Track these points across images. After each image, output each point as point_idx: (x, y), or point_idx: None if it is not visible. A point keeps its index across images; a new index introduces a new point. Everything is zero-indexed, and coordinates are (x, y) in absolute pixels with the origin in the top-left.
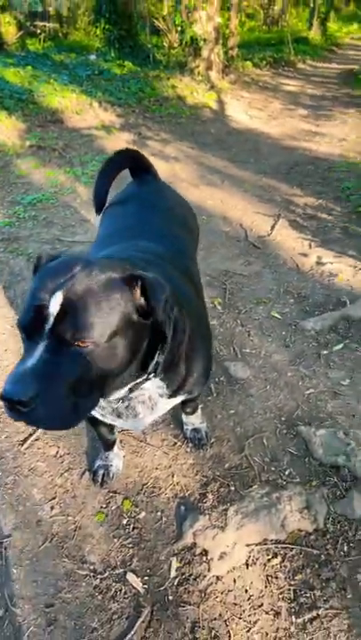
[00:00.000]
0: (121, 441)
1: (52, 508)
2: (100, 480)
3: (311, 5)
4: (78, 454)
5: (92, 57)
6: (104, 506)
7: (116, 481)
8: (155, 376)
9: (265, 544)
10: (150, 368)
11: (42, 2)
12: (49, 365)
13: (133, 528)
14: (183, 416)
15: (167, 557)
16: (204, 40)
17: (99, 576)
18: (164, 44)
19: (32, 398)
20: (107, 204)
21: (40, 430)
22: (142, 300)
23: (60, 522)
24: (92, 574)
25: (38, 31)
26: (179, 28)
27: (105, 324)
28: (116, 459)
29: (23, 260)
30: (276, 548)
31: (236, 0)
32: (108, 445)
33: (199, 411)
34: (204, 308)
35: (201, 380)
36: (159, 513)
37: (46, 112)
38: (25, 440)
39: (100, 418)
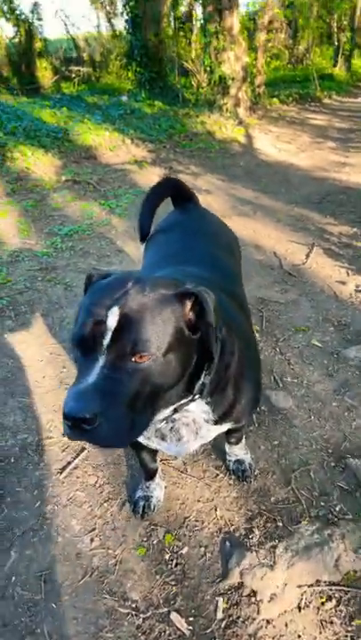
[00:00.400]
0: (162, 471)
1: (91, 540)
2: (140, 511)
3: (335, 44)
4: (118, 484)
5: (124, 98)
6: (145, 539)
7: (157, 513)
8: (200, 398)
9: (318, 585)
10: (196, 389)
11: (76, 48)
12: (110, 381)
13: (176, 564)
14: (226, 446)
15: (213, 597)
16: (232, 79)
17: (141, 615)
18: (193, 83)
19: (96, 415)
20: (151, 233)
21: (79, 458)
22: (191, 315)
23: (100, 555)
24: (134, 613)
25: (73, 75)
26: (207, 69)
27: (161, 338)
28: (157, 489)
29: (61, 289)
30: (331, 590)
31: (263, 41)
32: (150, 474)
33: (243, 441)
34: (252, 333)
35: (248, 408)
36: (203, 548)
37: (81, 149)
38: (63, 469)
39: (145, 442)
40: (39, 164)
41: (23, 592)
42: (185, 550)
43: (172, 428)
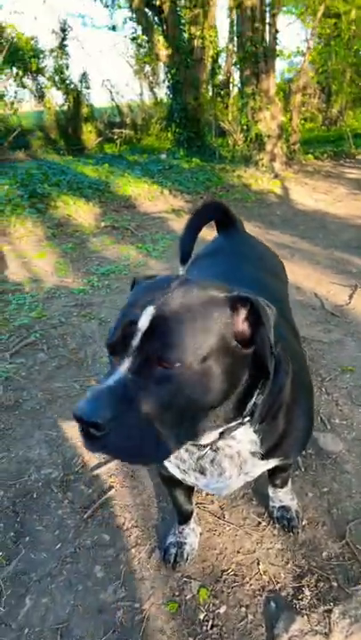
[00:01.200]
0: (198, 518)
1: (115, 590)
2: (172, 560)
3: None
4: (148, 527)
5: (163, 156)
6: (177, 593)
7: (191, 563)
8: (250, 423)
9: None
10: (247, 409)
11: (120, 113)
12: (131, 386)
13: (212, 626)
14: (270, 490)
15: None
16: (268, 136)
17: None
18: (229, 142)
19: (107, 421)
20: (193, 257)
21: (106, 496)
22: (245, 326)
23: (125, 609)
24: None
25: (115, 137)
26: (244, 127)
27: (198, 344)
28: (192, 535)
29: (95, 324)
30: None
31: (298, 102)
32: (184, 517)
33: (290, 484)
34: (303, 358)
35: (299, 441)
36: (244, 608)
37: (120, 199)
38: (88, 507)
39: (180, 476)
40: (80, 211)
41: None
42: (223, 609)
43: (213, 460)
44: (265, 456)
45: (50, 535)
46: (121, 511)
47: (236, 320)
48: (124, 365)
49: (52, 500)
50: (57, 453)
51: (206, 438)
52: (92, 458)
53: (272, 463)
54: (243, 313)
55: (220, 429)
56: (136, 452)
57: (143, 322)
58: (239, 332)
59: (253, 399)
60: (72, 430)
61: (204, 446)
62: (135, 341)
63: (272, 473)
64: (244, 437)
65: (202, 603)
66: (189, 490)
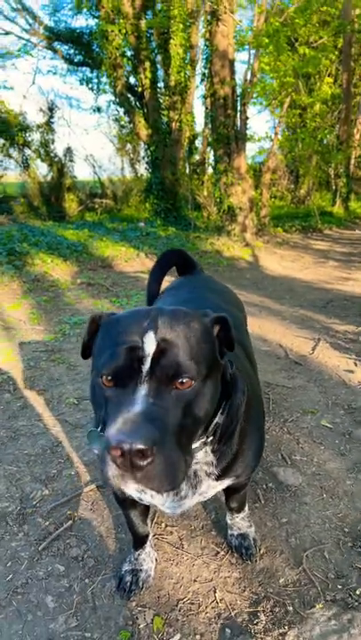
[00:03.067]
0: (154, 545)
1: (66, 620)
2: (127, 588)
3: (333, 188)
4: (103, 558)
5: (141, 224)
6: (130, 622)
7: (147, 592)
8: (209, 445)
9: None
10: (210, 429)
11: (101, 185)
12: (158, 410)
13: None
14: (228, 517)
15: None
16: (240, 208)
17: None
18: (204, 214)
19: (153, 446)
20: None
21: (62, 528)
22: (219, 339)
23: (74, 638)
24: None
25: (96, 206)
26: (217, 200)
27: (201, 362)
28: (147, 561)
29: (63, 368)
30: None
31: (268, 180)
32: (140, 541)
33: (246, 510)
34: (258, 384)
35: (252, 461)
36: (198, 636)
37: (98, 259)
38: (44, 539)
39: (137, 495)
40: (57, 269)
41: None
42: (177, 638)
43: None
44: (219, 477)
45: (1, 567)
46: (77, 542)
47: (216, 337)
48: (142, 391)
49: (7, 533)
50: (15, 488)
51: None
52: (53, 493)
53: (226, 483)
54: (217, 329)
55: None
56: (172, 476)
57: (149, 347)
58: (217, 346)
59: (216, 419)
60: (33, 466)
61: None
62: (146, 367)
63: (227, 495)
64: (202, 459)
65: (155, 631)
66: (145, 511)
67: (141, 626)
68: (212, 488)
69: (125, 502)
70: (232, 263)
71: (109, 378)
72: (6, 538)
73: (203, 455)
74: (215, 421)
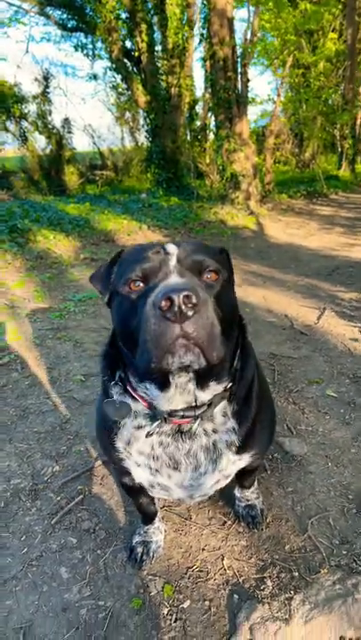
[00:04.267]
0: (162, 517)
1: (80, 590)
2: (138, 559)
3: (339, 150)
4: (114, 530)
5: (143, 195)
6: (141, 590)
7: (157, 561)
8: (230, 399)
9: None
10: (231, 374)
11: (101, 156)
12: (194, 281)
13: (176, 619)
14: (237, 490)
15: None
16: (243, 175)
17: None
18: (207, 183)
19: (198, 295)
20: None
21: (74, 503)
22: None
23: (89, 607)
24: None
25: (97, 178)
26: (220, 168)
27: (220, 263)
28: (157, 534)
29: (69, 345)
30: None
31: (271, 145)
32: (149, 518)
33: (256, 484)
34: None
35: (267, 432)
36: (207, 602)
37: (100, 234)
38: (56, 513)
39: (150, 479)
40: (60, 245)
41: None
42: (186, 604)
43: (189, 451)
44: (240, 449)
45: (16, 541)
46: (89, 516)
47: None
48: (174, 276)
49: (20, 509)
50: (27, 465)
51: (210, 390)
52: (63, 469)
53: (244, 460)
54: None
55: (217, 388)
56: (213, 339)
57: (172, 249)
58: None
59: (235, 362)
60: (43, 443)
61: (186, 430)
62: (173, 262)
63: (241, 476)
64: (221, 425)
65: (166, 598)
66: (152, 497)
67: (152, 593)
68: (231, 464)
69: (132, 490)
70: (236, 232)
71: (137, 279)
72: (20, 513)
73: (223, 420)
74: (235, 366)
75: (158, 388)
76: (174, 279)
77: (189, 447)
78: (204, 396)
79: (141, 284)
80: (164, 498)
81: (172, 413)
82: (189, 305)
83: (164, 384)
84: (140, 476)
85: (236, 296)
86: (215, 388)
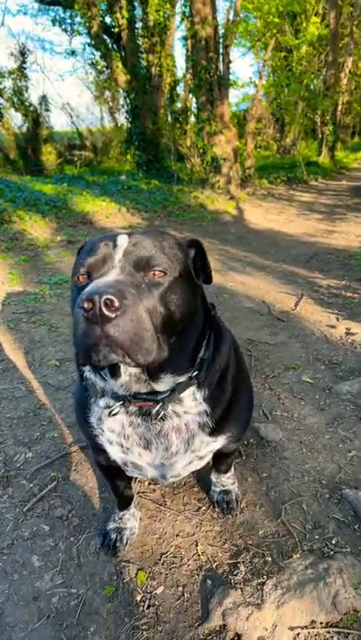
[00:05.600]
0: (137, 503)
1: (52, 578)
2: (111, 546)
3: (320, 136)
4: (88, 517)
5: (122, 177)
6: (115, 577)
7: (131, 548)
8: (199, 384)
9: (313, 627)
10: (197, 363)
11: (80, 136)
12: (130, 280)
13: (149, 606)
14: (213, 475)
15: None
16: (224, 159)
17: None
18: (187, 166)
19: (122, 300)
20: None
21: (47, 489)
22: (196, 262)
23: (60, 595)
24: None
25: (75, 159)
26: (201, 151)
27: (173, 263)
28: (132, 520)
29: (44, 330)
30: (328, 632)
31: (252, 129)
32: (124, 503)
33: (232, 469)
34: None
35: (244, 415)
36: (180, 588)
37: (78, 215)
38: (28, 500)
39: (122, 457)
40: (36, 226)
41: None
42: (160, 590)
43: (160, 432)
44: (214, 431)
45: None
46: (62, 503)
47: (190, 256)
48: (114, 271)
49: None
50: None
51: (165, 382)
52: (36, 455)
53: (220, 442)
54: (192, 252)
55: (176, 379)
56: (138, 342)
57: (121, 241)
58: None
59: (201, 353)
60: (16, 430)
61: (153, 412)
62: (118, 255)
63: (217, 460)
64: (193, 408)
65: (139, 585)
66: (130, 478)
67: (126, 580)
68: (205, 445)
69: (109, 470)
70: (216, 217)
71: (84, 272)
72: None
73: (193, 404)
74: (200, 356)
75: (111, 376)
76: (107, 278)
77: (160, 428)
78: (160, 386)
79: (86, 278)
80: (138, 477)
81: (135, 396)
82: (112, 308)
83: (114, 372)
84: (114, 453)
85: (197, 290)
86: (171, 380)
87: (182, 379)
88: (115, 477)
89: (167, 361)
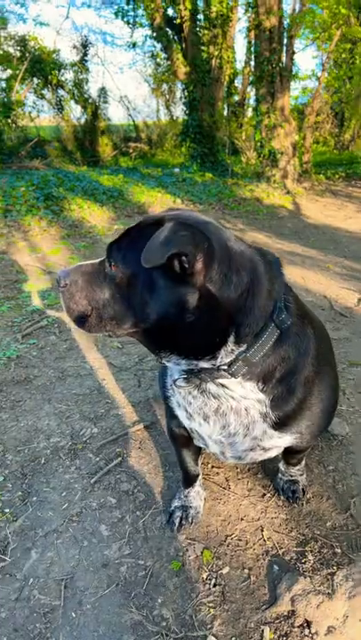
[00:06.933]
0: (202, 484)
1: (120, 548)
2: (177, 523)
3: None
4: (153, 494)
5: (176, 170)
6: (180, 554)
7: (195, 527)
8: (245, 379)
9: None
10: (221, 356)
11: (136, 129)
12: (86, 274)
13: (215, 584)
14: (282, 465)
15: (258, 625)
16: (282, 153)
17: (172, 635)
18: (242, 159)
19: (66, 281)
20: None
21: (113, 464)
22: (200, 263)
23: (128, 565)
24: (165, 632)
25: (130, 151)
26: (258, 144)
27: (121, 261)
28: (197, 499)
29: None
30: None
31: (312, 123)
32: (190, 480)
33: (303, 462)
34: (324, 328)
35: (318, 420)
36: (246, 570)
37: (134, 205)
38: (95, 473)
39: (187, 422)
40: (94, 215)
41: (40, 596)
42: (225, 570)
43: (217, 409)
44: (278, 426)
45: (57, 496)
46: (127, 478)
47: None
48: (96, 261)
49: (60, 466)
50: (65, 425)
51: (171, 361)
52: (101, 431)
53: (287, 439)
54: (200, 256)
55: (189, 363)
56: (75, 311)
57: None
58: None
59: (230, 346)
60: (82, 405)
61: (184, 379)
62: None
63: (287, 453)
64: (250, 395)
65: (205, 563)
66: (197, 451)
67: (191, 557)
68: (268, 437)
69: (179, 440)
70: (272, 211)
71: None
72: (60, 470)
73: (245, 390)
74: (229, 349)
75: None
76: (73, 266)
77: (217, 405)
78: (169, 364)
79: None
80: (202, 449)
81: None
82: (62, 284)
83: None
84: (181, 416)
85: (167, 291)
86: (182, 362)
87: (202, 364)
88: (183, 447)
89: (152, 343)
